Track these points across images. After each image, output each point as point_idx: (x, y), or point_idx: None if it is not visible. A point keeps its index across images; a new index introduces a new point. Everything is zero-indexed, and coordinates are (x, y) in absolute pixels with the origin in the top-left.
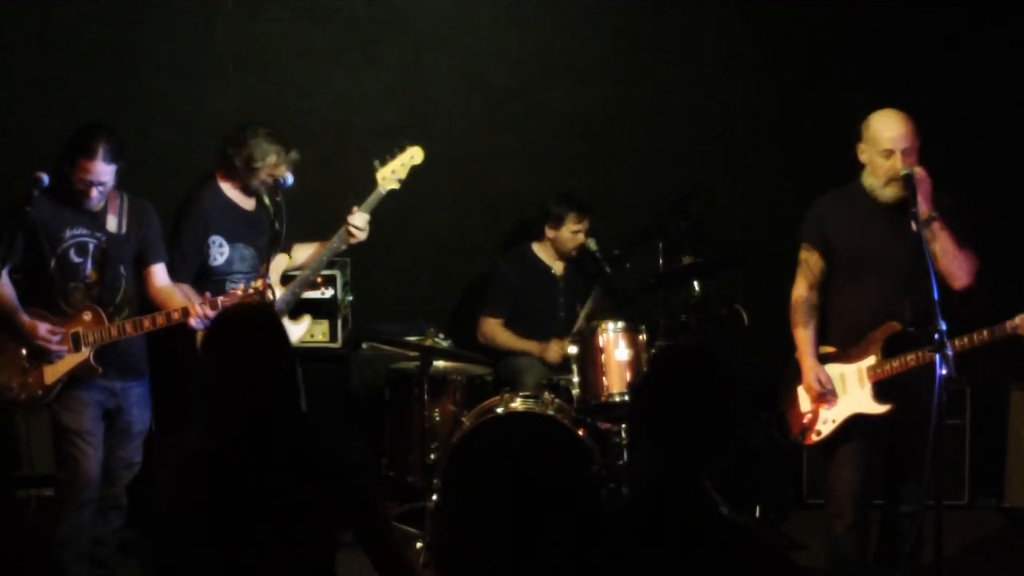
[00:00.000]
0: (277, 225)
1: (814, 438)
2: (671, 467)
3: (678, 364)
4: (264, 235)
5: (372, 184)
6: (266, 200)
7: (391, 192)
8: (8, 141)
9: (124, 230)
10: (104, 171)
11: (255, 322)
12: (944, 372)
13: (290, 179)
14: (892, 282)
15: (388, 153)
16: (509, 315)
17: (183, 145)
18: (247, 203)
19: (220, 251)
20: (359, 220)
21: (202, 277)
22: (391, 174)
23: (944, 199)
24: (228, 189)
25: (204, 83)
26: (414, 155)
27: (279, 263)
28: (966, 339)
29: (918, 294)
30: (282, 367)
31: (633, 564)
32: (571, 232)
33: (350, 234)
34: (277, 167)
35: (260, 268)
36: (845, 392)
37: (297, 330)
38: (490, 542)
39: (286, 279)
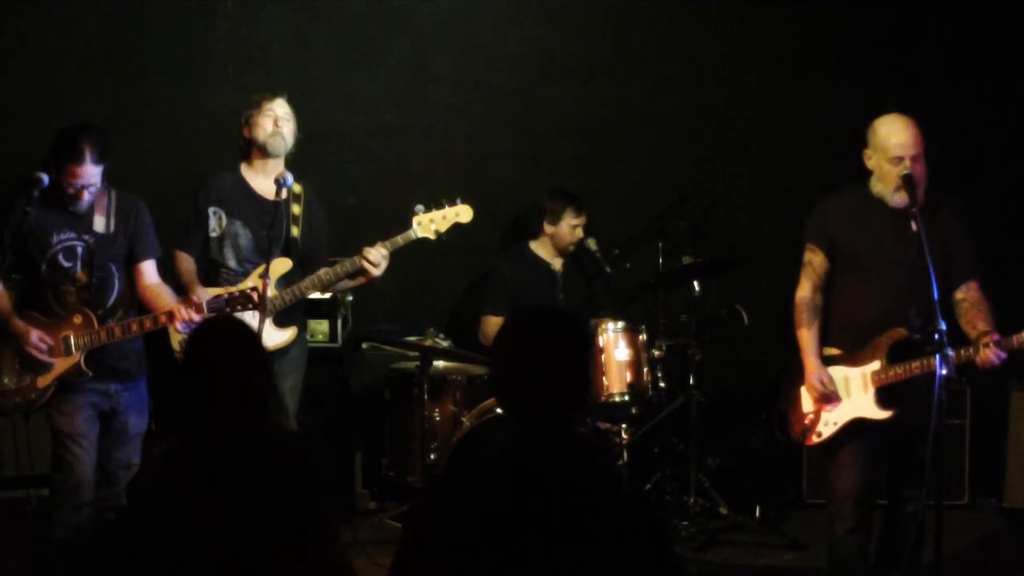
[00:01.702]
0: (276, 227)
1: (814, 439)
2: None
3: (533, 333)
4: (275, 229)
5: (406, 224)
6: (295, 208)
7: (424, 240)
8: (8, 141)
9: (112, 229)
10: (93, 173)
11: (228, 335)
12: (944, 372)
13: (290, 179)
14: (896, 283)
15: (435, 201)
16: (509, 313)
17: (183, 145)
18: (267, 192)
19: (218, 222)
20: (374, 255)
21: (202, 254)
22: (429, 223)
23: (955, 222)
24: (248, 173)
25: (204, 83)
26: (461, 213)
27: (278, 266)
28: (963, 351)
29: (923, 296)
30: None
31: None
32: (570, 226)
33: (364, 267)
34: (264, 107)
35: (257, 261)
36: (848, 395)
37: (276, 336)
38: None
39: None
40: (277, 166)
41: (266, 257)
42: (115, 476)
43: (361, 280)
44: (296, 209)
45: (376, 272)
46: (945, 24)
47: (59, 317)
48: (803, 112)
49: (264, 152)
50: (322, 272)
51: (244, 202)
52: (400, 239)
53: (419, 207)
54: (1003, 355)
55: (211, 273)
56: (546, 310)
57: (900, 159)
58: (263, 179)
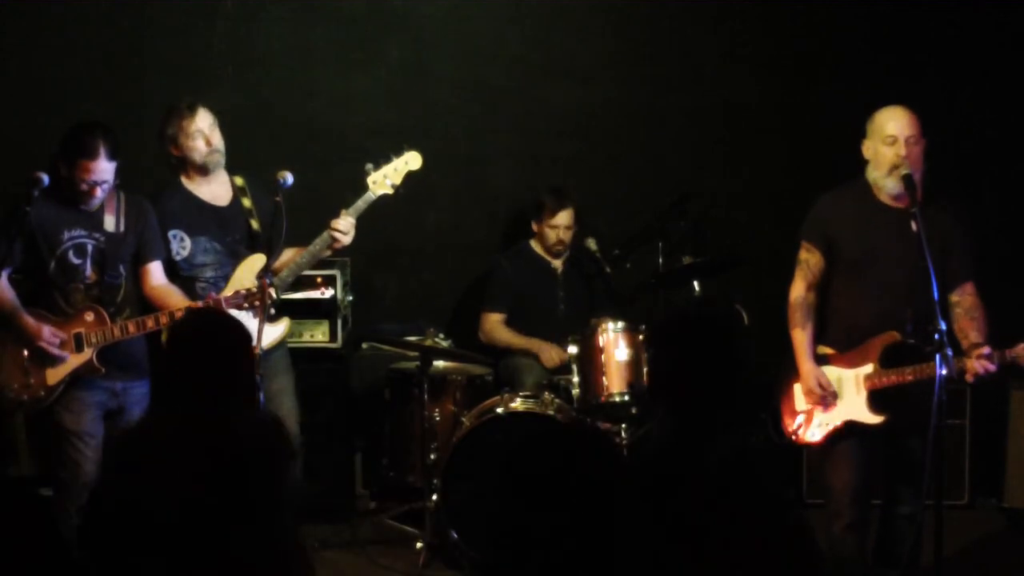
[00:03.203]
0: (277, 224)
1: (806, 439)
2: (683, 429)
3: (690, 330)
4: (238, 232)
5: (363, 187)
6: (245, 202)
7: (383, 197)
8: (8, 141)
9: (122, 229)
10: (107, 169)
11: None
12: (944, 372)
13: (290, 179)
14: (894, 282)
15: (383, 156)
16: (510, 311)
17: None
18: (217, 198)
19: (181, 245)
20: (343, 224)
21: (171, 277)
22: (383, 179)
23: (954, 221)
24: (191, 186)
25: (204, 83)
26: (410, 160)
27: (255, 262)
28: (956, 362)
29: (921, 296)
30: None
31: (643, 519)
32: (549, 226)
33: (334, 238)
34: (189, 128)
35: (232, 263)
36: (841, 397)
37: (273, 332)
38: (490, 541)
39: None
40: (219, 173)
41: (239, 258)
42: None
43: (332, 248)
44: (247, 203)
45: (346, 241)
46: (945, 24)
47: (68, 315)
48: (803, 112)
49: (205, 170)
50: (298, 256)
51: (200, 216)
52: (361, 203)
53: (369, 166)
54: (992, 368)
55: (187, 289)
56: (704, 309)
57: (894, 139)
58: (207, 187)
